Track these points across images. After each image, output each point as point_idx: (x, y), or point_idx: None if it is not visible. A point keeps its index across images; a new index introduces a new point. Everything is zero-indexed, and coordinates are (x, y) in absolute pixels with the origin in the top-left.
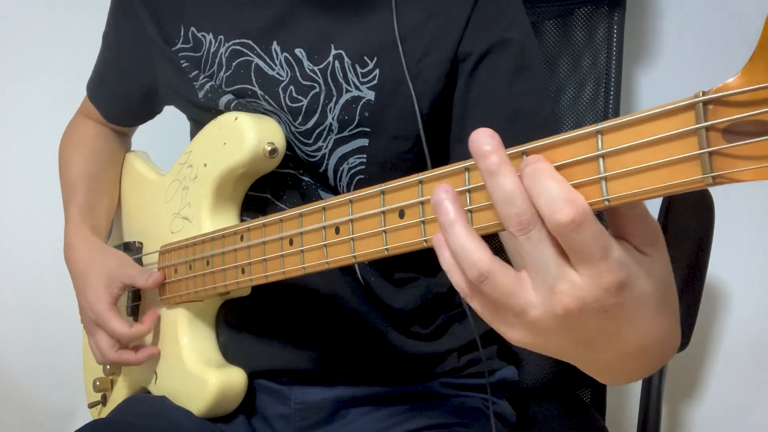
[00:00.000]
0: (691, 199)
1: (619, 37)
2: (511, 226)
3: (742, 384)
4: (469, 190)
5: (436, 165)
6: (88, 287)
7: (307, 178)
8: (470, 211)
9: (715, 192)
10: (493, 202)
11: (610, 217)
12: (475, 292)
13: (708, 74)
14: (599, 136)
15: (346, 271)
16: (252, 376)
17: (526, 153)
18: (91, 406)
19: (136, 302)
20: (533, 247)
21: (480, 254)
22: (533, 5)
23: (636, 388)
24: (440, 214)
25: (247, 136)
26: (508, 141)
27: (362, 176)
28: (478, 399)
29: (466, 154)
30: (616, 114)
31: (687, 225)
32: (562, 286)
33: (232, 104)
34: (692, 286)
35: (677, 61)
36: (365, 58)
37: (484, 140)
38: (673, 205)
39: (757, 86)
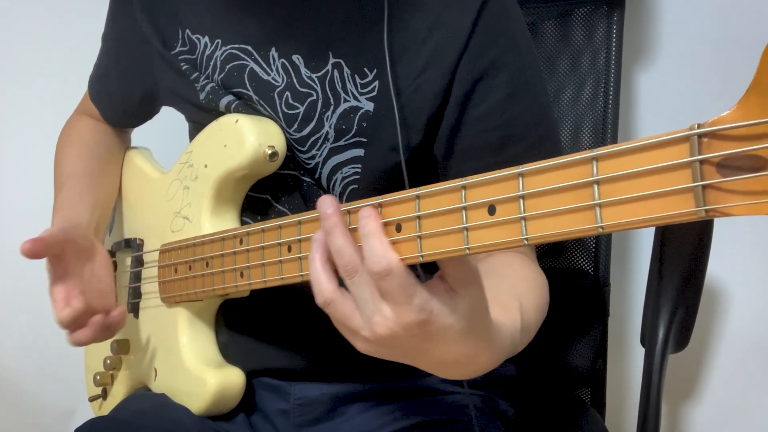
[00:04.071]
0: None
1: (618, 37)
2: (340, 271)
3: (742, 384)
4: (465, 208)
5: (430, 179)
6: None
7: (308, 179)
8: (466, 229)
9: None
10: (332, 252)
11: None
12: (323, 308)
13: (707, 74)
14: (595, 162)
15: None
16: (251, 375)
17: (522, 175)
18: (92, 399)
19: (136, 299)
20: (356, 288)
21: (327, 285)
22: (533, 5)
23: (636, 388)
24: (310, 251)
25: (248, 139)
26: (499, 165)
27: (356, 186)
28: (477, 396)
29: (453, 170)
30: (615, 115)
31: (686, 225)
32: (376, 318)
33: (233, 105)
34: (692, 286)
35: (676, 61)
36: (365, 69)
37: (326, 206)
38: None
39: (752, 122)
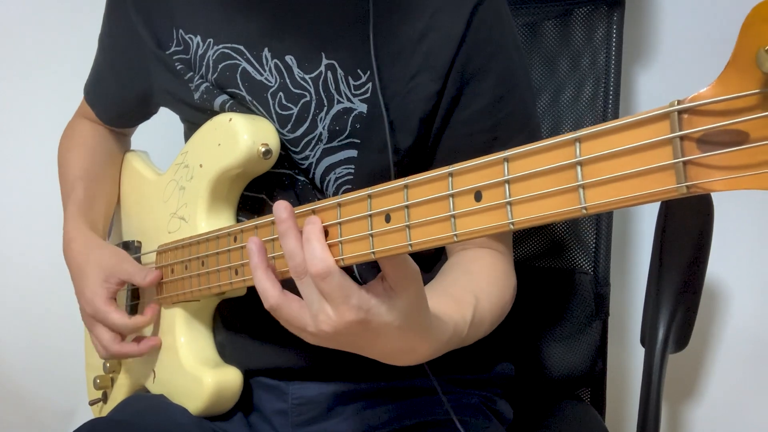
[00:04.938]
0: (689, 198)
1: (618, 36)
2: (291, 272)
3: (742, 384)
4: (452, 195)
5: None
6: (84, 282)
7: (302, 178)
8: (453, 216)
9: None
10: (284, 254)
11: (378, 258)
12: (271, 312)
13: (707, 74)
14: (578, 143)
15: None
16: (249, 375)
17: (507, 160)
18: (92, 403)
19: (134, 301)
20: (304, 288)
21: (272, 291)
22: (533, 5)
23: (636, 388)
24: (250, 260)
25: (241, 137)
26: None
27: (349, 186)
28: (476, 396)
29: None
30: (615, 114)
31: (686, 225)
32: (321, 317)
33: (227, 105)
34: (691, 286)
35: (676, 61)
36: (358, 71)
37: (281, 211)
38: (671, 204)
39: (731, 96)
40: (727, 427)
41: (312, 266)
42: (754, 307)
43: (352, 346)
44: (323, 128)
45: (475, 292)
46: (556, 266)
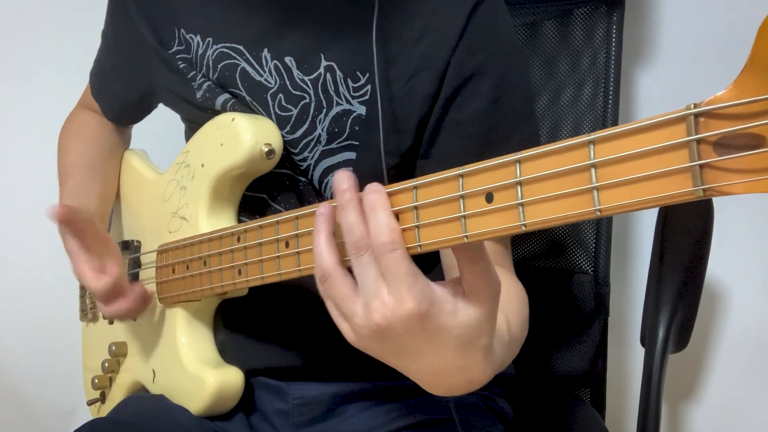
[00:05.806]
0: None
1: (618, 37)
2: (349, 248)
3: (742, 384)
4: (462, 196)
5: None
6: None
7: (303, 179)
8: (464, 217)
9: None
10: (342, 228)
11: (455, 252)
12: (320, 284)
13: (707, 75)
14: (591, 146)
15: None
16: (250, 375)
17: (519, 161)
18: (90, 403)
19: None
20: (361, 268)
21: (328, 258)
22: (533, 5)
23: (636, 388)
24: (315, 225)
25: (244, 137)
26: None
27: None
28: (477, 395)
29: (430, 172)
30: (615, 114)
31: (686, 225)
32: (375, 303)
33: (229, 104)
34: (691, 286)
35: (676, 62)
36: (357, 73)
37: (342, 181)
38: (672, 205)
39: (748, 99)
40: (727, 427)
41: (378, 236)
42: (754, 307)
43: (398, 354)
44: (322, 130)
45: (503, 310)
46: (556, 266)
